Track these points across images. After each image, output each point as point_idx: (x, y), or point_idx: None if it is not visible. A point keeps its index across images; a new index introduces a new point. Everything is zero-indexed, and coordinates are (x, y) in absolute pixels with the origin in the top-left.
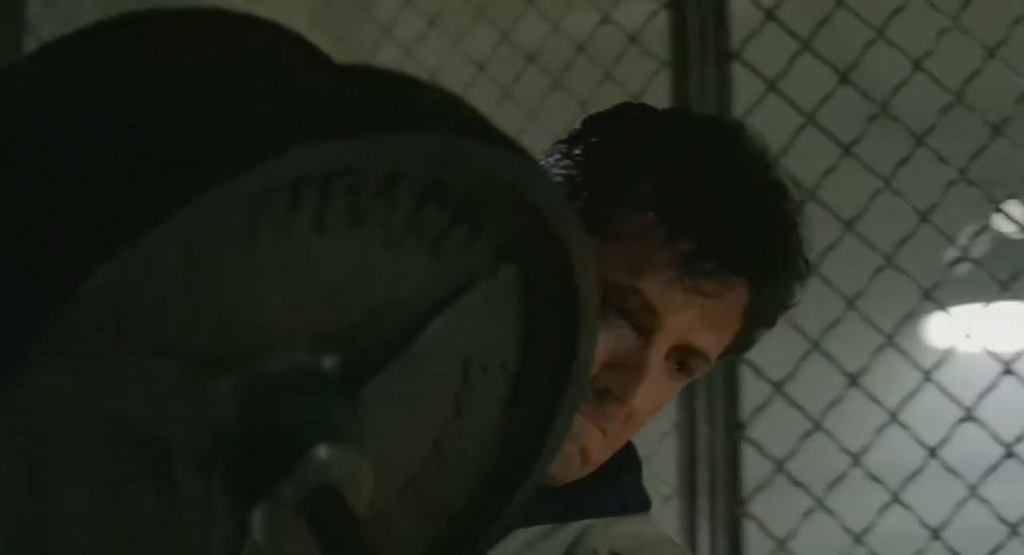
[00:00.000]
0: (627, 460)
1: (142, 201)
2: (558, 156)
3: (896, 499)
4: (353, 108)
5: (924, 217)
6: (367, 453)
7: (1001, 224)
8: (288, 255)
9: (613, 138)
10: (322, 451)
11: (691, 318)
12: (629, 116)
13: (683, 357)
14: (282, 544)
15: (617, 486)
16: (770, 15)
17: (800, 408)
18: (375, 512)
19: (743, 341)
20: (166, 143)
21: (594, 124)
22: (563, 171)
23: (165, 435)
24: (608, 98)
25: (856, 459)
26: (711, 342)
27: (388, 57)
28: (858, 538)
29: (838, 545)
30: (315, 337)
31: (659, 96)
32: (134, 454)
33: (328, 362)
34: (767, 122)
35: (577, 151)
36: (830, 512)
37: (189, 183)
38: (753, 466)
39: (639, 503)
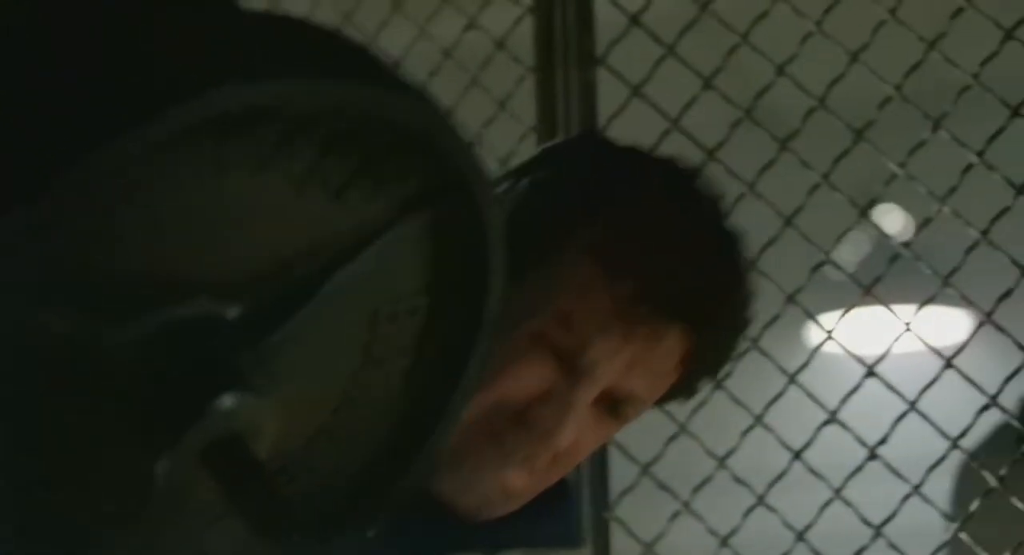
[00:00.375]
0: (559, 494)
1: (36, 159)
2: (506, 186)
3: (761, 502)
4: (255, 53)
5: (788, 221)
6: (272, 402)
7: (872, 229)
8: (189, 201)
9: (564, 174)
10: (226, 400)
11: (623, 363)
12: (583, 151)
13: (613, 403)
14: (187, 491)
15: (549, 519)
16: (635, 20)
17: (666, 412)
18: (283, 461)
19: (683, 389)
20: (60, 100)
21: (547, 156)
22: (510, 204)
23: (76, 382)
24: (475, 104)
25: (722, 462)
26: (644, 388)
27: None
28: (724, 541)
29: (705, 548)
30: (219, 285)
31: (526, 102)
32: (60, 397)
33: (232, 311)
34: (632, 128)
35: (527, 182)
36: (696, 515)
37: (86, 136)
38: (619, 470)
39: (569, 538)
